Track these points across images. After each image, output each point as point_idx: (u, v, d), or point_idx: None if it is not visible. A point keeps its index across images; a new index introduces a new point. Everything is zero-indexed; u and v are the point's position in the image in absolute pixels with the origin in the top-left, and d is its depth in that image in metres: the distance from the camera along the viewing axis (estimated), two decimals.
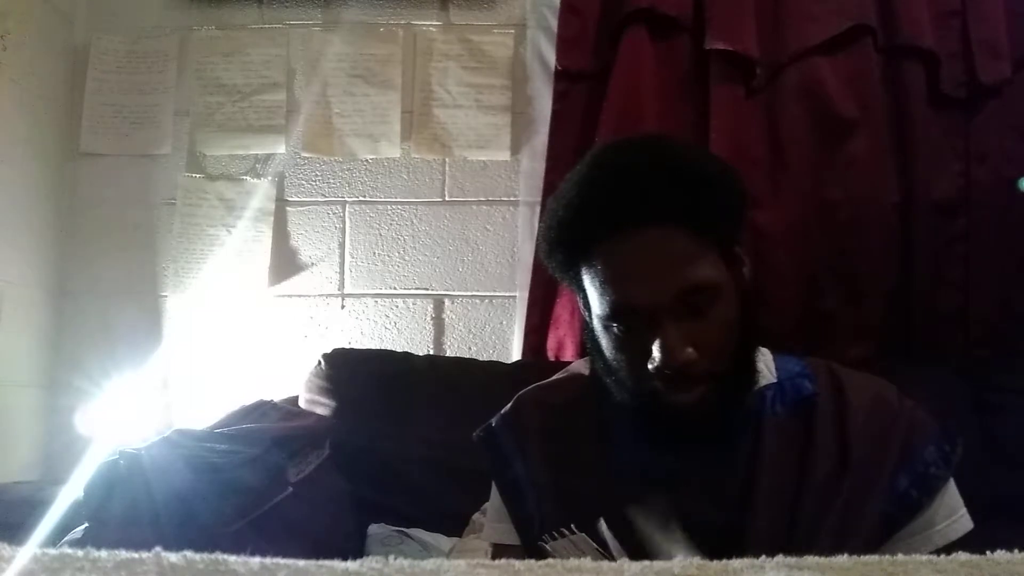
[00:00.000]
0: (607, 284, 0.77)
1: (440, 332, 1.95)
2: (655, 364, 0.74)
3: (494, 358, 1.89)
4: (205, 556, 0.44)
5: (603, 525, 0.83)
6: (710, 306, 0.76)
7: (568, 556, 0.77)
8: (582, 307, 0.86)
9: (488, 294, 1.96)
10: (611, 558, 0.78)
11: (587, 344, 0.87)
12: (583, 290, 0.82)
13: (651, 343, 0.75)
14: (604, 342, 0.81)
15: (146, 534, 1.00)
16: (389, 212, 2.00)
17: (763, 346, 0.87)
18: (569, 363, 1.09)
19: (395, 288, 1.97)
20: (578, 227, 0.79)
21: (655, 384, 0.76)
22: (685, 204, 0.75)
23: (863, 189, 1.76)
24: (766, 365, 0.86)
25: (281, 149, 2.02)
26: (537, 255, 1.79)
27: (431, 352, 1.93)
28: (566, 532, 0.83)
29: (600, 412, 0.87)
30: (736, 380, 0.79)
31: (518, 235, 1.95)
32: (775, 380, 0.85)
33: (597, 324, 0.81)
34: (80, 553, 0.44)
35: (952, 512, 0.81)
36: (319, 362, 1.71)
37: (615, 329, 0.78)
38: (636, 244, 0.75)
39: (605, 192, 0.77)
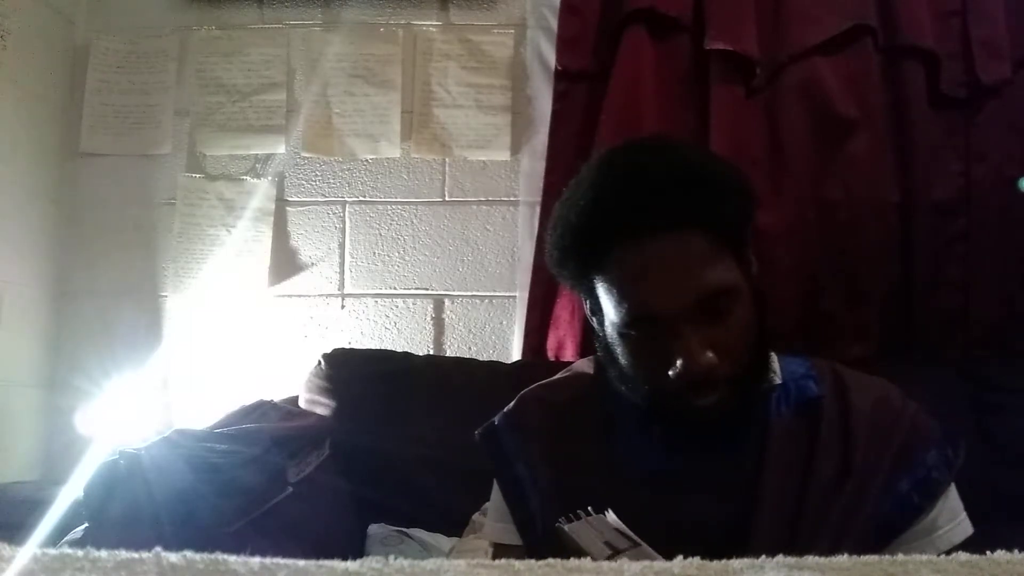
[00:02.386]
0: (624, 292, 0.76)
1: (440, 332, 1.95)
2: (677, 371, 0.74)
3: (494, 358, 1.89)
4: (205, 556, 0.44)
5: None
6: (728, 310, 0.76)
7: (587, 537, 0.77)
8: (590, 314, 0.85)
9: (488, 294, 1.96)
10: (630, 539, 0.77)
11: (599, 351, 0.86)
12: (597, 298, 0.80)
13: (671, 350, 0.74)
14: (620, 350, 0.80)
15: (146, 534, 0.99)
16: (389, 212, 2.00)
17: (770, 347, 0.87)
18: (570, 363, 1.09)
19: (395, 288, 1.97)
20: (592, 235, 0.77)
21: (676, 390, 0.75)
22: (700, 208, 0.75)
23: (863, 189, 1.76)
24: (772, 366, 0.86)
25: (281, 149, 2.02)
26: (538, 256, 1.79)
27: (431, 352, 1.93)
28: (582, 514, 0.83)
29: (604, 411, 0.87)
30: (753, 381, 0.79)
31: (518, 235, 1.95)
32: (780, 381, 0.85)
33: (612, 331, 0.80)
34: (80, 553, 0.44)
35: (954, 516, 0.81)
36: (319, 362, 1.71)
37: (633, 336, 0.78)
38: (652, 251, 0.75)
39: (618, 199, 0.76)
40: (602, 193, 0.77)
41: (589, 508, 0.82)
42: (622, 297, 0.76)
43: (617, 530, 0.79)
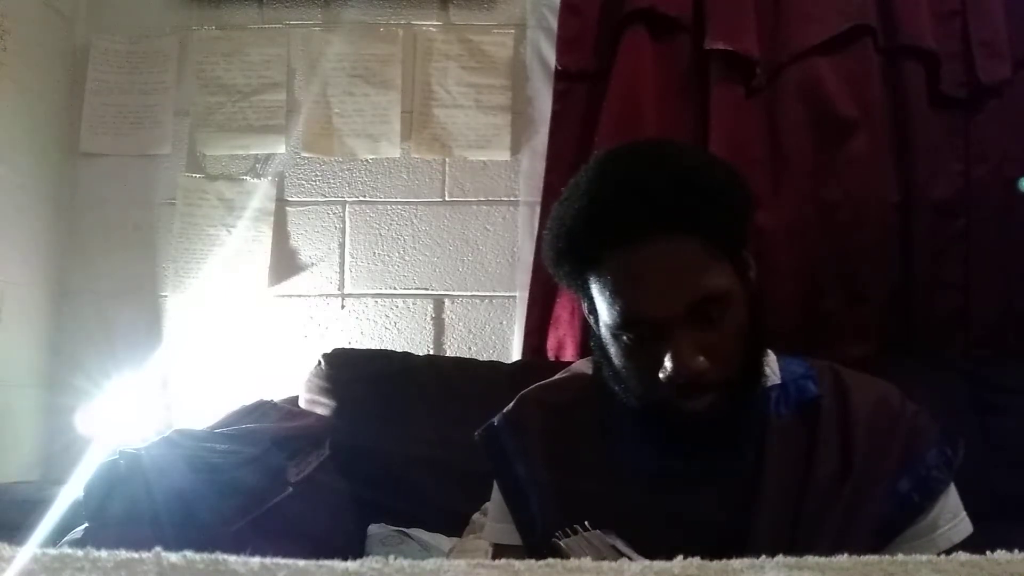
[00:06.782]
0: (617, 295, 0.76)
1: (440, 332, 1.95)
2: (667, 374, 0.74)
3: (494, 358, 1.89)
4: (205, 556, 0.44)
5: (603, 525, 0.83)
6: (721, 314, 0.76)
7: (583, 553, 0.77)
8: (587, 313, 0.85)
9: (488, 294, 1.96)
10: (624, 556, 0.78)
11: (594, 351, 0.87)
12: (591, 299, 0.81)
13: (662, 353, 0.74)
14: (613, 351, 0.81)
15: (146, 534, 0.99)
16: (389, 212, 2.00)
17: (767, 347, 0.87)
18: (570, 363, 1.09)
19: (395, 288, 1.97)
20: (587, 237, 0.78)
21: (666, 393, 0.76)
22: (695, 213, 0.75)
23: (863, 189, 1.76)
24: (770, 367, 0.86)
25: (281, 149, 2.02)
26: (538, 256, 1.80)
27: (431, 352, 1.93)
28: (579, 529, 0.83)
29: (603, 412, 0.87)
30: (745, 385, 0.80)
31: (518, 235, 1.95)
32: (779, 382, 0.85)
33: (606, 333, 0.81)
34: (80, 553, 0.44)
35: (955, 515, 0.81)
36: (319, 362, 1.71)
37: (625, 339, 0.78)
38: (646, 255, 0.75)
39: (613, 203, 0.76)
40: (597, 197, 0.78)
41: (586, 523, 0.83)
42: (615, 300, 0.76)
43: (613, 546, 0.79)
